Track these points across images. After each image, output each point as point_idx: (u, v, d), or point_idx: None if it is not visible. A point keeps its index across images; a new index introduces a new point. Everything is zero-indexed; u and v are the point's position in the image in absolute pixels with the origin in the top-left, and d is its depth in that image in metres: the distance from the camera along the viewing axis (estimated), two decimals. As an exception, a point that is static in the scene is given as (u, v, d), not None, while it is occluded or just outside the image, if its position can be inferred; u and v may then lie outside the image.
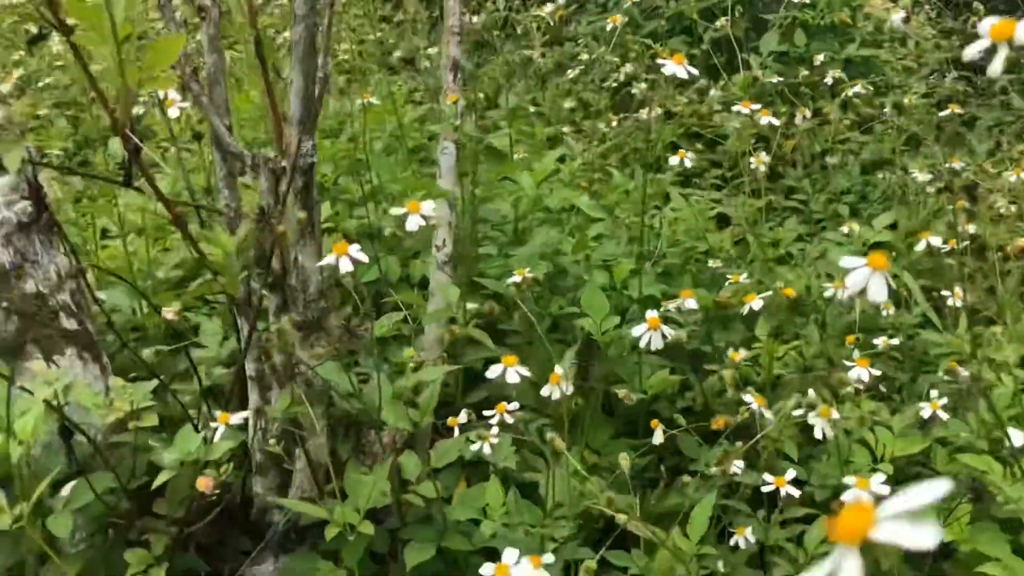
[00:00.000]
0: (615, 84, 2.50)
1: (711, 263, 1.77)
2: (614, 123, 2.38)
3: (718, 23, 2.73)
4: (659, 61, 1.15)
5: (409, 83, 2.83)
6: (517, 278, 1.33)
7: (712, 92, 2.24)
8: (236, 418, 1.05)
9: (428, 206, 1.00)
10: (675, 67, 1.15)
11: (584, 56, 2.79)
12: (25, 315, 1.34)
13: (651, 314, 1.20)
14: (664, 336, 1.19)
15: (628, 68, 2.44)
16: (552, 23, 2.62)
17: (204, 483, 1.02)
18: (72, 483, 1.21)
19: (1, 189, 1.34)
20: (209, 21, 1.23)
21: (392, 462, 1.16)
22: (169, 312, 1.09)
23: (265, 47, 1.38)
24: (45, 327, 1.36)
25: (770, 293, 1.32)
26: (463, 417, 1.19)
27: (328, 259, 0.97)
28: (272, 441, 1.09)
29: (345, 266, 0.96)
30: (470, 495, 1.37)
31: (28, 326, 1.33)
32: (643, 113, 2.23)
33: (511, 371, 1.05)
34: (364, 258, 0.97)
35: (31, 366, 1.27)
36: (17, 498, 1.21)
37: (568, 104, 2.83)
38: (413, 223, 0.99)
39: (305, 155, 1.17)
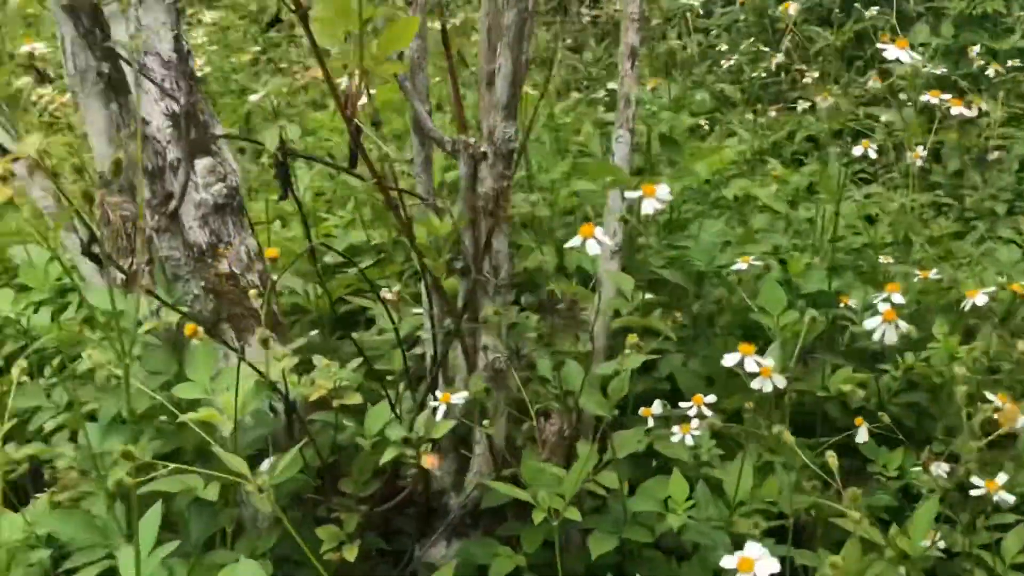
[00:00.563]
0: (764, 74, 2.44)
1: (881, 259, 1.71)
2: (772, 113, 2.33)
3: (868, 13, 2.65)
4: (880, 46, 1.11)
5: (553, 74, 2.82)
6: (742, 265, 1.30)
7: (870, 84, 2.17)
8: (457, 398, 1.06)
9: (663, 190, 0.98)
10: (898, 51, 1.11)
11: (724, 47, 2.74)
12: (220, 294, 1.38)
13: (884, 306, 1.16)
14: (897, 328, 1.15)
15: (779, 58, 2.38)
16: (700, 13, 2.57)
17: (431, 461, 1.03)
18: (271, 459, 1.24)
19: (200, 171, 1.38)
20: (416, 5, 1.24)
21: (591, 450, 1.15)
22: (389, 293, 1.11)
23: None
24: (237, 306, 1.40)
25: (993, 289, 1.27)
26: (658, 408, 1.17)
27: (574, 241, 0.97)
28: (486, 422, 1.09)
29: (592, 248, 0.95)
30: (650, 487, 1.35)
31: (223, 305, 1.37)
32: (798, 103, 2.17)
33: (748, 360, 1.03)
34: (609, 241, 0.96)
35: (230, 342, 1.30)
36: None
37: (702, 95, 2.78)
38: (649, 206, 0.98)
39: (507, 140, 1.17)
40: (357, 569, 1.38)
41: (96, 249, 1.18)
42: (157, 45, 1.34)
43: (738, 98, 2.75)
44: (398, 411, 1.20)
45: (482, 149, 1.20)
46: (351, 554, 1.21)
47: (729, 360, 1.04)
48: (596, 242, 0.96)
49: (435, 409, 1.05)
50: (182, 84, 1.37)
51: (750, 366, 1.03)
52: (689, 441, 1.14)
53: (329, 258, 1.82)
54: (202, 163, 1.39)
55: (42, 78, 1.66)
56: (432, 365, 1.27)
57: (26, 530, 1.23)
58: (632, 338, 0.97)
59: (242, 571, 1.09)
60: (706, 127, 2.66)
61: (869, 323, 1.17)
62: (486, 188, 1.18)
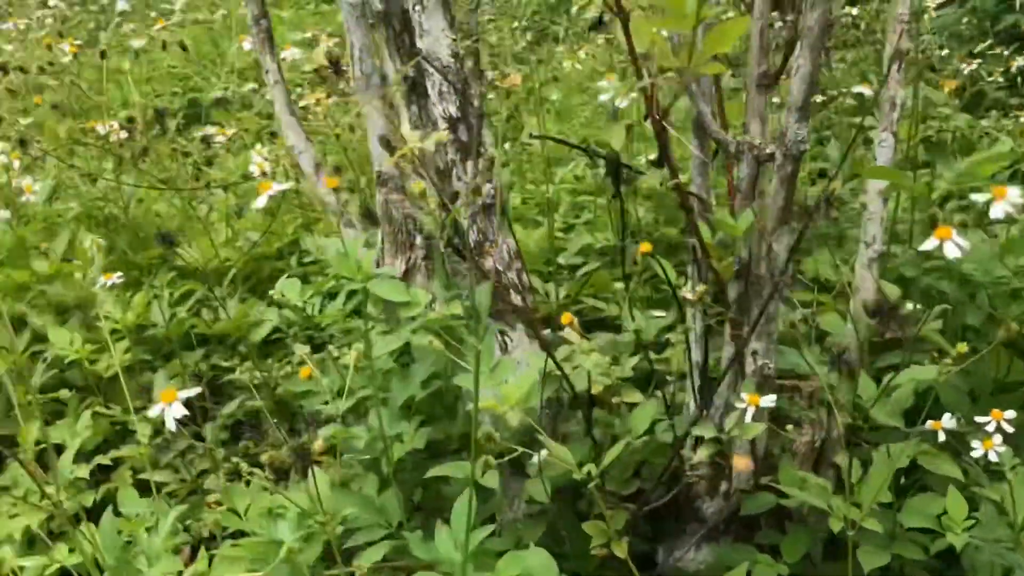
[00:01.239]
0: (1001, 80, 2.32)
1: None
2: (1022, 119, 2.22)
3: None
4: None
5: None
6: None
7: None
8: (766, 401, 1.05)
9: (1015, 192, 0.95)
10: None
11: (945, 51, 2.62)
12: (487, 289, 1.42)
13: None
14: None
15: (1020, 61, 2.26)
16: (934, 15, 2.47)
17: (744, 463, 1.03)
18: (544, 450, 1.27)
19: (471, 173, 1.44)
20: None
21: (887, 465, 1.12)
22: (689, 293, 1.11)
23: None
24: (501, 301, 1.44)
25: None
26: (949, 421, 1.13)
27: (929, 243, 0.95)
28: (791, 427, 1.08)
29: (952, 252, 0.93)
30: (920, 503, 1.31)
31: (489, 299, 1.42)
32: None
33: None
34: (966, 245, 0.94)
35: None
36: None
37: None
38: (999, 210, 0.95)
39: (799, 141, 1.16)
40: (609, 568, 1.40)
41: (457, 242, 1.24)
42: (438, 50, 1.41)
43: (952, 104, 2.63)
44: (670, 408, 1.21)
45: (768, 151, 1.19)
46: (621, 550, 1.22)
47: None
48: (955, 244, 0.93)
49: (744, 410, 1.05)
50: (460, 88, 1.42)
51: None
52: (993, 457, 1.10)
53: (561, 259, 1.86)
54: (472, 165, 1.45)
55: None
56: (701, 367, 1.26)
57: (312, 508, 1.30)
58: (961, 347, 0.94)
59: (532, 559, 1.12)
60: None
61: None
62: (773, 189, 1.17)
